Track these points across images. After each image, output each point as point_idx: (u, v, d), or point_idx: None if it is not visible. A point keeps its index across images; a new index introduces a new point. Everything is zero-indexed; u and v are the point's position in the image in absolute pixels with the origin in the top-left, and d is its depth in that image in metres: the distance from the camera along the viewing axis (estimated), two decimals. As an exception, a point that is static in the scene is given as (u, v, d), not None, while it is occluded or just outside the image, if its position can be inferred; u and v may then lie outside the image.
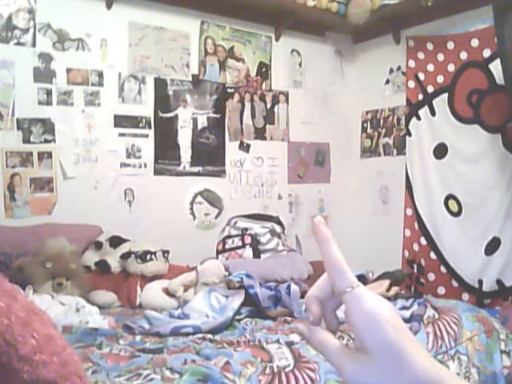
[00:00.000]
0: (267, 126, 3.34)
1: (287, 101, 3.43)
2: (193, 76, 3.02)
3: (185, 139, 3.00)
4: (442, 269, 3.09)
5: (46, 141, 2.54)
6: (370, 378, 0.37)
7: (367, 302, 0.38)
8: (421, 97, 3.20)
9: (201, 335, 1.64)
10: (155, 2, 2.84)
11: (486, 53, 2.80)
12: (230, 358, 1.38)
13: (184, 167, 3.00)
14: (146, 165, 2.87)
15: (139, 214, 2.82)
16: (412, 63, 3.24)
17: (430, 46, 3.12)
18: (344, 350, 0.40)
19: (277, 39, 3.36)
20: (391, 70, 3.44)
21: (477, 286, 2.89)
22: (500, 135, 2.78)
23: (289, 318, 1.88)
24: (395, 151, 3.43)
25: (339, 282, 0.40)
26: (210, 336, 1.63)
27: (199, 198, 3.06)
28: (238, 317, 1.86)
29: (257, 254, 2.77)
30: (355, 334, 0.38)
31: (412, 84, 3.25)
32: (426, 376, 0.36)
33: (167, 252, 2.43)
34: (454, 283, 3.02)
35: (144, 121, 2.85)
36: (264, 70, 3.32)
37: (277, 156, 3.38)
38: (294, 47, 3.46)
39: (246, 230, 2.85)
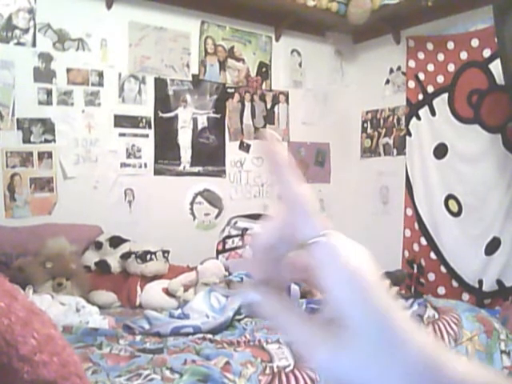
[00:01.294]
0: (267, 126, 3.33)
1: (287, 101, 3.43)
2: (193, 76, 3.02)
3: (185, 139, 3.00)
4: (442, 269, 3.09)
5: (46, 141, 2.54)
6: (351, 366, 0.27)
7: (346, 258, 0.28)
8: (421, 97, 3.20)
9: (201, 335, 1.64)
10: (155, 1, 2.84)
11: (486, 53, 2.80)
12: (230, 358, 1.38)
13: (184, 167, 3.00)
14: (146, 165, 2.87)
15: (139, 214, 2.82)
16: (412, 63, 3.24)
17: (430, 46, 3.12)
18: (313, 326, 0.29)
19: (277, 39, 3.36)
20: (391, 70, 3.44)
21: (477, 286, 2.89)
22: (500, 135, 2.78)
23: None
24: (395, 151, 3.43)
25: (304, 228, 0.29)
26: (210, 336, 1.63)
27: (199, 198, 3.06)
28: (238, 317, 1.86)
29: (257, 254, 2.77)
30: (329, 301, 0.28)
31: (412, 84, 3.25)
32: (421, 358, 0.27)
33: (167, 252, 2.43)
34: (454, 283, 3.02)
35: (144, 121, 2.85)
36: (264, 70, 3.32)
37: (277, 156, 3.38)
38: (294, 47, 3.46)
39: (246, 229, 2.85)
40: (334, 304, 0.28)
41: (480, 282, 2.88)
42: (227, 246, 2.80)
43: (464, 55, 2.93)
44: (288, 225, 0.30)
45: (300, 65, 3.50)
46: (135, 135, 2.82)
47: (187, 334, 1.67)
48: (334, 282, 0.28)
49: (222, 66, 3.14)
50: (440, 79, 3.08)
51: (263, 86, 3.32)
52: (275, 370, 1.35)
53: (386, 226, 3.45)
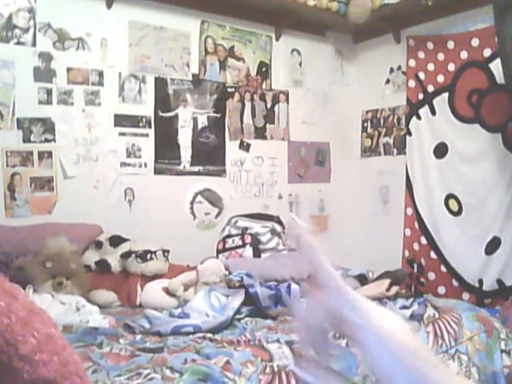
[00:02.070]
0: (267, 126, 3.34)
1: (287, 100, 3.43)
2: (193, 75, 3.02)
3: (185, 139, 3.00)
4: (443, 268, 3.09)
5: (47, 140, 2.54)
6: None
7: (378, 321, 0.30)
8: (421, 96, 3.20)
9: (201, 334, 1.64)
10: (155, 1, 2.84)
11: (487, 52, 2.80)
12: (230, 357, 1.38)
13: (184, 167, 3.00)
14: (146, 164, 2.87)
15: (139, 213, 2.82)
16: (412, 63, 3.24)
17: (430, 46, 3.12)
18: None
19: (277, 39, 3.36)
20: (391, 70, 3.44)
21: (477, 285, 2.89)
22: (500, 135, 2.78)
23: (289, 318, 1.88)
24: (395, 151, 3.43)
25: (337, 299, 0.31)
26: (210, 335, 1.63)
27: (199, 198, 3.06)
28: (238, 316, 1.86)
29: (257, 253, 2.77)
30: (373, 370, 0.30)
31: (412, 83, 3.25)
32: None
33: (167, 251, 2.43)
34: (455, 283, 3.02)
35: (144, 120, 2.85)
36: (264, 70, 3.32)
37: (277, 156, 3.38)
38: (294, 47, 3.46)
39: (247, 229, 2.85)
40: (370, 365, 0.30)
41: (480, 282, 2.88)
42: (227, 246, 2.80)
43: (464, 55, 2.93)
44: (323, 300, 0.33)
45: (300, 64, 3.50)
46: (135, 135, 2.82)
47: (187, 334, 1.66)
48: (370, 344, 0.30)
49: (222, 65, 3.14)
50: (440, 79, 3.08)
51: (263, 86, 3.32)
52: (275, 369, 1.35)
53: (386, 226, 3.45)
